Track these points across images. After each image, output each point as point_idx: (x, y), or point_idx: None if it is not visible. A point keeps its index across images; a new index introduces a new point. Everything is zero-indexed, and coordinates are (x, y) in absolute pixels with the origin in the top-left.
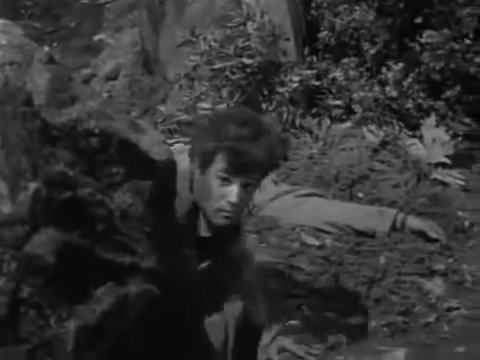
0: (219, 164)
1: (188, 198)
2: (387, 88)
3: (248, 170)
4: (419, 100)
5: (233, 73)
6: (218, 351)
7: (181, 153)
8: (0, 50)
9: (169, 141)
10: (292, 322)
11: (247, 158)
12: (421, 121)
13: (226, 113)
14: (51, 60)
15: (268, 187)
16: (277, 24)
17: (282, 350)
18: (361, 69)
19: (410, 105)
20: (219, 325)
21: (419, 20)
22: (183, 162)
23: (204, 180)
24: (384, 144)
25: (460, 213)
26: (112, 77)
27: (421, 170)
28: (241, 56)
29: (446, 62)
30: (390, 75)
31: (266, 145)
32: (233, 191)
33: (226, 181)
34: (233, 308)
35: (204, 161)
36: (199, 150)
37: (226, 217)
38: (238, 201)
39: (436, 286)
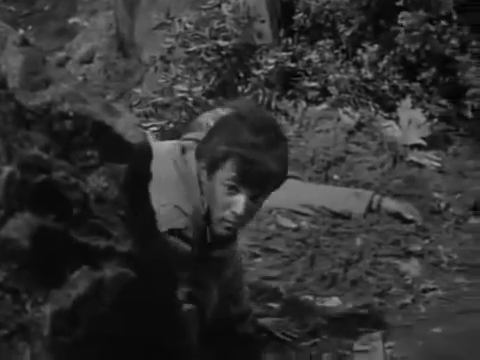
0: (228, 171)
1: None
2: (363, 70)
3: (258, 181)
4: (395, 82)
5: (208, 55)
6: (193, 339)
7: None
8: None
9: (145, 124)
10: (270, 305)
11: (259, 169)
12: (397, 103)
13: (242, 115)
14: (25, 43)
15: None
16: (252, 6)
17: (261, 330)
18: (336, 51)
19: (386, 87)
20: (194, 315)
21: (398, 3)
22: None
23: (210, 185)
24: (360, 126)
25: (436, 195)
26: (87, 60)
27: (397, 152)
28: (216, 38)
29: (422, 44)
30: (366, 57)
31: (281, 156)
32: (240, 201)
33: (233, 190)
34: (209, 299)
35: (212, 165)
36: (208, 152)
37: (228, 228)
38: (244, 213)
39: (412, 267)
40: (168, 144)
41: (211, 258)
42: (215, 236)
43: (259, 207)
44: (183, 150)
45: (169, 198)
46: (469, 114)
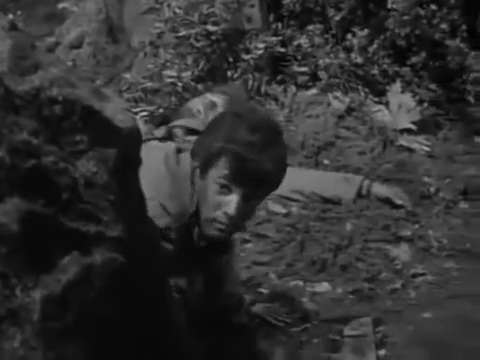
0: (221, 169)
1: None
2: (352, 54)
3: (251, 180)
4: (385, 66)
5: (198, 40)
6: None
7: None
8: None
9: (134, 109)
10: (261, 290)
11: (252, 167)
12: (387, 87)
13: (239, 114)
14: (13, 28)
15: None
16: None
17: (254, 316)
18: (326, 36)
19: (376, 71)
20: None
21: None
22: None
23: (202, 184)
24: (350, 111)
25: (426, 179)
26: (76, 45)
27: (387, 136)
28: (206, 23)
29: (411, 28)
30: (355, 41)
31: (277, 156)
32: (231, 201)
33: (225, 189)
34: (193, 290)
35: (205, 162)
36: (202, 150)
37: (220, 230)
38: (235, 214)
39: (402, 252)
40: (163, 142)
41: (204, 261)
42: (206, 237)
43: (252, 210)
44: (179, 150)
45: (155, 193)
46: (471, 99)
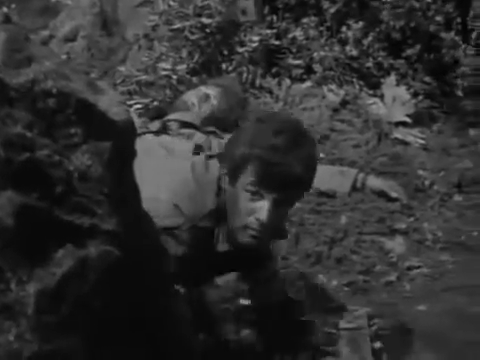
0: (249, 176)
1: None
2: (347, 47)
3: (280, 184)
4: (379, 59)
5: (192, 33)
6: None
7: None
8: None
9: (129, 102)
10: None
11: (279, 170)
12: (382, 80)
13: (263, 119)
14: (7, 20)
15: None
16: None
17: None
18: (321, 28)
19: (370, 64)
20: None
21: None
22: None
23: (233, 192)
24: (345, 103)
25: (421, 172)
26: (71, 38)
27: (382, 129)
28: (200, 15)
29: (406, 20)
30: (350, 34)
31: (303, 157)
32: (263, 207)
33: (256, 195)
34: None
35: (233, 170)
36: (228, 157)
37: (253, 236)
38: (267, 220)
39: (397, 245)
40: (158, 136)
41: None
42: (240, 244)
43: (286, 214)
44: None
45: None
46: (460, 93)
